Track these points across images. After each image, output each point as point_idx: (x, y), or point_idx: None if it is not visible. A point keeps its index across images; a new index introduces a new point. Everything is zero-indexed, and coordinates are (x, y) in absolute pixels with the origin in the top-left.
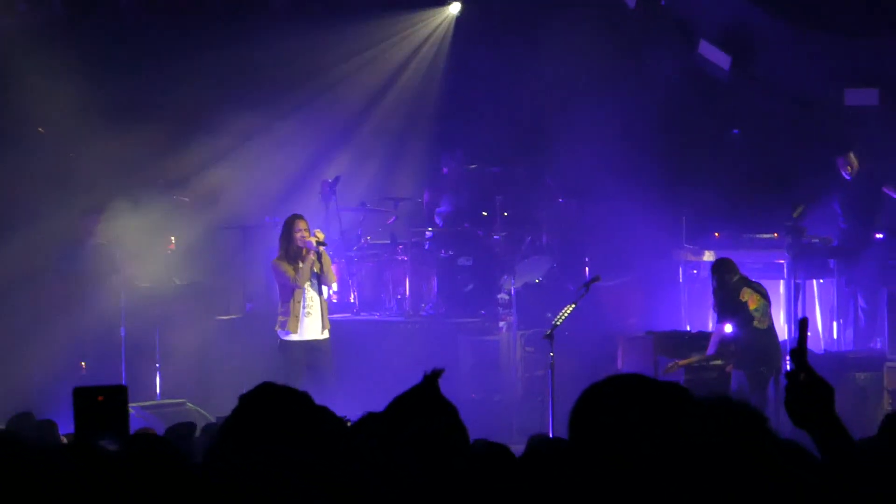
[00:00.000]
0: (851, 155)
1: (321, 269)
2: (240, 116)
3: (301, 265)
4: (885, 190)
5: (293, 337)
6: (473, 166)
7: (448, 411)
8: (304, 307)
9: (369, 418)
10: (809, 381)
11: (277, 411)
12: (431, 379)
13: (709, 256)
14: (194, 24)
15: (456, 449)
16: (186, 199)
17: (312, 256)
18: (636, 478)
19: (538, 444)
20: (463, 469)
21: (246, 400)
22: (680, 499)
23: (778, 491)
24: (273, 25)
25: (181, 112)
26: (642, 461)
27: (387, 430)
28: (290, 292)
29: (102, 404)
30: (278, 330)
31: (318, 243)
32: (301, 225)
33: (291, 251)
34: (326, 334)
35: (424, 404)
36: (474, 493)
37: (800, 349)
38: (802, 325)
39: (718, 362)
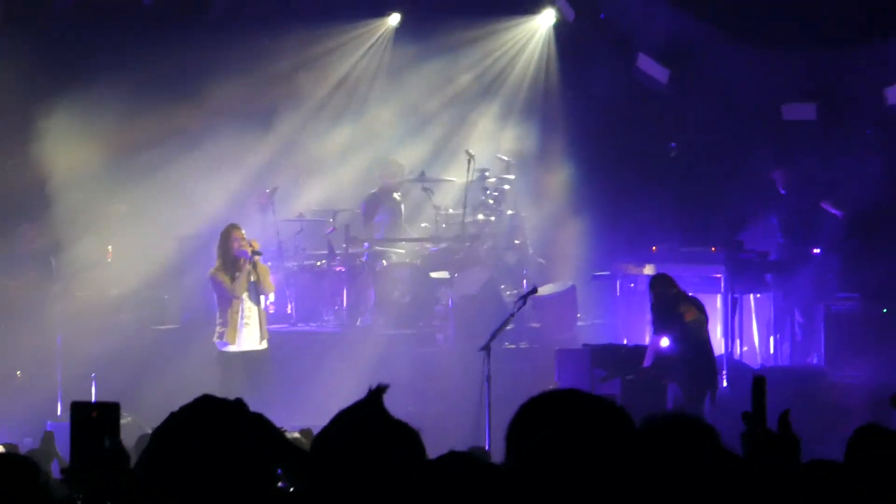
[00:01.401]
0: (786, 169)
1: (257, 278)
2: (180, 125)
3: (237, 275)
4: (823, 205)
5: (231, 347)
6: (412, 177)
7: (394, 427)
8: (241, 317)
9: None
10: (769, 440)
11: (211, 422)
12: (376, 394)
13: (647, 270)
14: (134, 29)
15: (401, 465)
16: (123, 208)
17: (248, 266)
18: (576, 496)
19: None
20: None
21: (181, 411)
22: None
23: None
24: (214, 32)
25: (121, 120)
26: (581, 479)
27: (331, 444)
28: (227, 302)
29: (97, 419)
30: (216, 340)
31: (254, 252)
32: (237, 234)
33: (228, 261)
34: (265, 344)
35: (369, 419)
36: None
37: (755, 411)
38: (758, 386)
39: (656, 375)
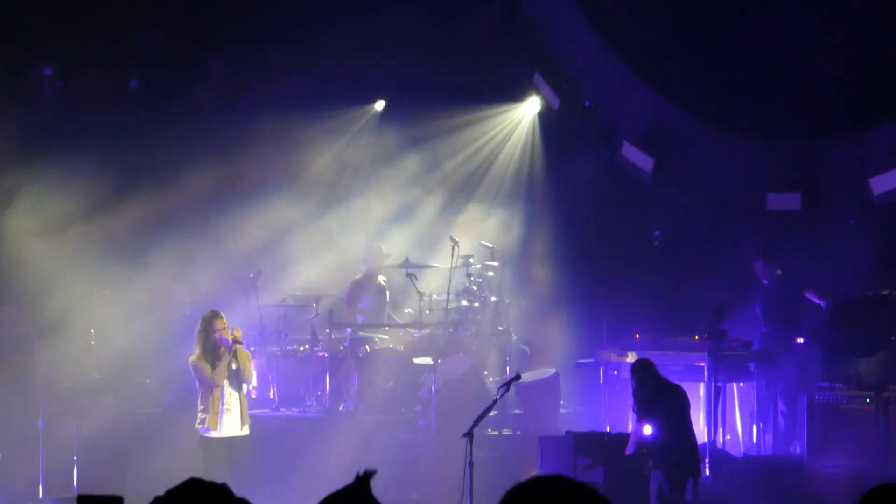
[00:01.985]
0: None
1: (238, 366)
2: (164, 210)
3: (217, 363)
4: (807, 295)
5: (213, 434)
6: (396, 263)
7: None
8: (223, 404)
9: None
10: None
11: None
12: (363, 480)
13: (630, 358)
14: (119, 113)
15: None
16: (107, 293)
17: (229, 355)
18: None
19: None
20: None
21: (167, 494)
22: None
23: None
24: (197, 117)
25: (106, 204)
26: None
27: None
28: (208, 389)
29: None
30: (198, 427)
31: (234, 341)
32: (219, 324)
33: (209, 349)
34: (246, 430)
35: None
36: None
37: None
38: None
39: (639, 464)
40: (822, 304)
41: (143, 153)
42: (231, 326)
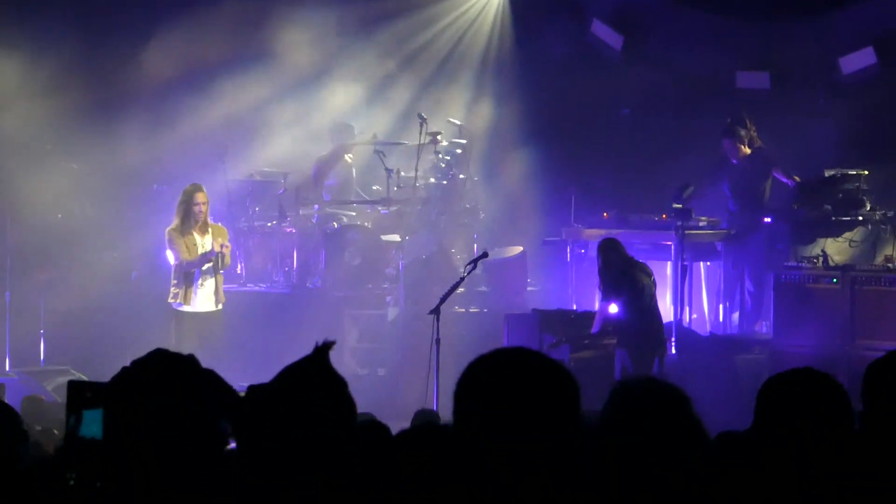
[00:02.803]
0: (742, 136)
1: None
2: (125, 88)
3: (195, 244)
4: (776, 174)
5: (186, 308)
6: (364, 140)
7: (337, 383)
8: (196, 280)
9: (256, 390)
10: None
11: (165, 375)
12: (322, 350)
13: (597, 235)
14: None
15: (342, 422)
16: (75, 167)
17: (211, 258)
18: (518, 455)
19: (420, 421)
20: (344, 442)
21: (133, 365)
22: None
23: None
24: None
25: (60, 84)
26: (525, 438)
27: (274, 400)
28: (182, 265)
29: (91, 399)
30: (170, 300)
31: (220, 252)
32: (200, 198)
33: (188, 222)
34: (220, 306)
35: (314, 375)
36: (355, 467)
37: None
38: None
39: (605, 341)
40: (789, 184)
41: (96, 32)
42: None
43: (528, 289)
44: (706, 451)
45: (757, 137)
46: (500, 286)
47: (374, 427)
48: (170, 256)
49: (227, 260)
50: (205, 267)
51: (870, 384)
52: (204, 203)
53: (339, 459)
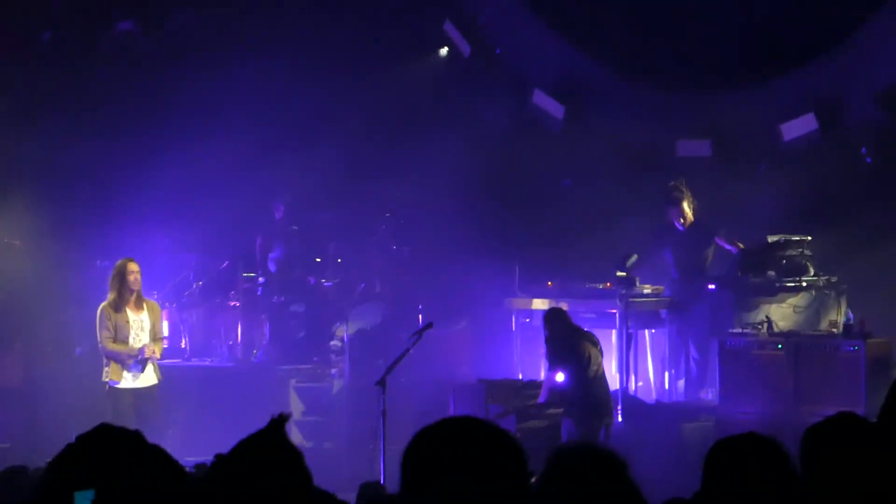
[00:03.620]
0: (685, 204)
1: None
2: (72, 156)
3: (128, 331)
4: (718, 240)
5: (122, 385)
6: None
7: (294, 455)
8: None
9: (218, 464)
10: None
11: (111, 451)
12: (278, 422)
13: (541, 305)
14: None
15: (300, 493)
16: (17, 243)
17: (139, 356)
18: None
19: (365, 492)
20: None
21: (79, 440)
22: None
23: None
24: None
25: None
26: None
27: (233, 475)
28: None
29: None
30: (105, 379)
31: (148, 357)
32: (133, 268)
33: (124, 295)
34: (155, 380)
35: (271, 447)
36: None
37: None
38: None
39: (552, 411)
40: (733, 250)
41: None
42: (142, 276)
43: (474, 359)
44: None
45: (694, 205)
46: (446, 357)
47: (328, 500)
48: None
49: (159, 356)
50: (138, 340)
51: (806, 450)
52: (137, 272)
53: None
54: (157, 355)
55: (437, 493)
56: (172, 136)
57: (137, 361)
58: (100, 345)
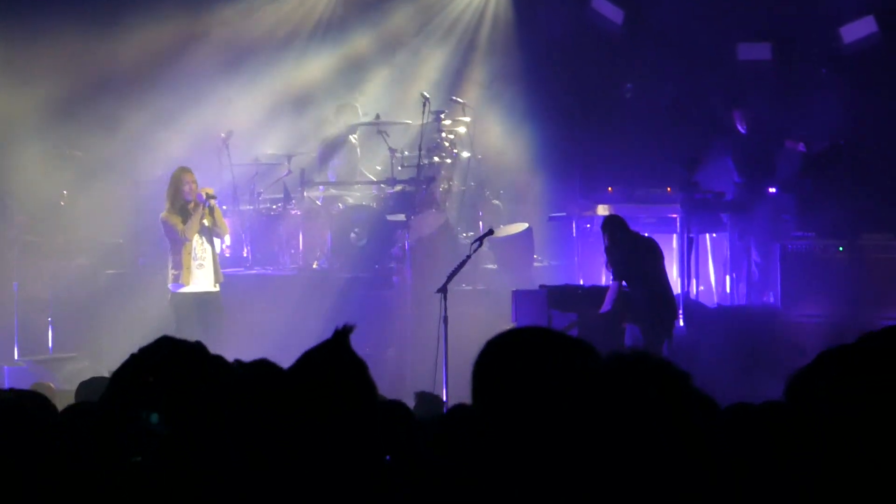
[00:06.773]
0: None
1: (213, 221)
2: (131, 69)
3: (189, 218)
4: (788, 143)
5: (184, 289)
6: (367, 120)
7: (358, 366)
8: (195, 259)
9: (276, 374)
10: None
11: (173, 362)
12: (342, 334)
13: (602, 210)
14: None
15: (365, 404)
16: (79, 154)
17: (202, 209)
18: (547, 435)
19: (425, 402)
20: (367, 424)
21: (141, 352)
22: (598, 456)
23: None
24: None
25: (68, 66)
26: (553, 416)
27: (297, 384)
28: (179, 245)
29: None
30: (170, 284)
31: (208, 196)
32: (188, 177)
33: (178, 204)
34: (218, 287)
35: (335, 358)
36: (377, 449)
37: None
38: None
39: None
40: (802, 150)
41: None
42: (203, 186)
43: (535, 265)
44: (714, 424)
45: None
46: (507, 263)
47: (396, 408)
48: (169, 242)
49: (223, 225)
50: (201, 242)
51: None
52: (193, 182)
53: (364, 442)
54: (210, 191)
55: (513, 404)
56: (219, 52)
57: (203, 210)
58: (180, 236)
